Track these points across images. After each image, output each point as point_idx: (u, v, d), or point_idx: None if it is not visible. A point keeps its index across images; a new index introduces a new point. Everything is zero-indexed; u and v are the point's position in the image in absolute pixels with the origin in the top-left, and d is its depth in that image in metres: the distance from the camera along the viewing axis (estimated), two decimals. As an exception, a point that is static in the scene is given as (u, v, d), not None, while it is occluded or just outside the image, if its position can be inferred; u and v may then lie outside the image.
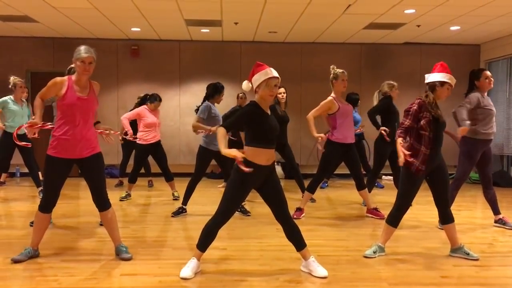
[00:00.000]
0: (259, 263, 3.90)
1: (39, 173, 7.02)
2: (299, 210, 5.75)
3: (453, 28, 8.71)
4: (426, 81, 4.01)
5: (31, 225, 4.65)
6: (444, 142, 4.00)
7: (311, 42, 10.13)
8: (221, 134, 3.32)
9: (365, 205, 6.00)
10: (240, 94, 8.45)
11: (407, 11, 7.51)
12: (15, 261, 3.77)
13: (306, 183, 6.09)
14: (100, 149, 3.94)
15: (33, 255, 3.89)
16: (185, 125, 9.78)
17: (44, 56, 9.83)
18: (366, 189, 5.82)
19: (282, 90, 6.55)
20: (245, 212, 5.83)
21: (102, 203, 3.93)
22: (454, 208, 4.44)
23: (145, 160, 7.41)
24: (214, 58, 10.08)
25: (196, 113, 5.69)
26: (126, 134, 6.98)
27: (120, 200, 6.79)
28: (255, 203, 6.38)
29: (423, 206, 6.16)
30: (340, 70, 5.47)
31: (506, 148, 9.47)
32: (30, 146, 5.02)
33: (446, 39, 9.70)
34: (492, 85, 5.19)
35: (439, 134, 3.93)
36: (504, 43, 9.42)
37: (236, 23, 8.44)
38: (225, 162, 5.73)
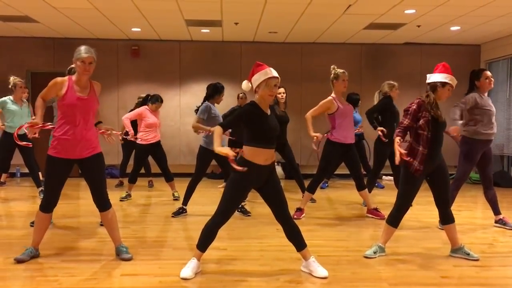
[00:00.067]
0: (259, 263, 3.90)
1: (39, 173, 7.04)
2: (299, 210, 5.75)
3: (453, 28, 8.71)
4: (428, 81, 4.01)
5: (31, 225, 4.66)
6: (444, 142, 4.00)
7: (311, 42, 10.12)
8: (217, 133, 3.33)
9: (365, 206, 6.00)
10: (241, 94, 8.45)
11: (407, 11, 7.51)
12: (18, 261, 3.77)
13: (306, 183, 6.09)
14: (101, 149, 3.94)
15: (34, 255, 3.90)
16: (185, 125, 9.78)
17: (45, 56, 9.83)
18: (366, 189, 5.82)
19: (281, 90, 6.55)
20: (245, 212, 5.83)
21: (103, 203, 3.94)
22: (454, 209, 4.44)
23: (145, 160, 7.42)
24: (214, 58, 10.08)
25: (196, 113, 5.69)
26: (127, 134, 6.98)
27: (121, 200, 6.80)
28: (255, 203, 6.38)
29: (423, 206, 6.16)
30: (341, 70, 5.47)
31: (506, 148, 9.46)
32: (31, 146, 5.02)
33: (446, 39, 9.70)
34: (492, 85, 5.20)
35: (438, 134, 3.92)
36: (504, 43, 9.42)
37: (236, 23, 8.44)
38: (225, 162, 5.70)
